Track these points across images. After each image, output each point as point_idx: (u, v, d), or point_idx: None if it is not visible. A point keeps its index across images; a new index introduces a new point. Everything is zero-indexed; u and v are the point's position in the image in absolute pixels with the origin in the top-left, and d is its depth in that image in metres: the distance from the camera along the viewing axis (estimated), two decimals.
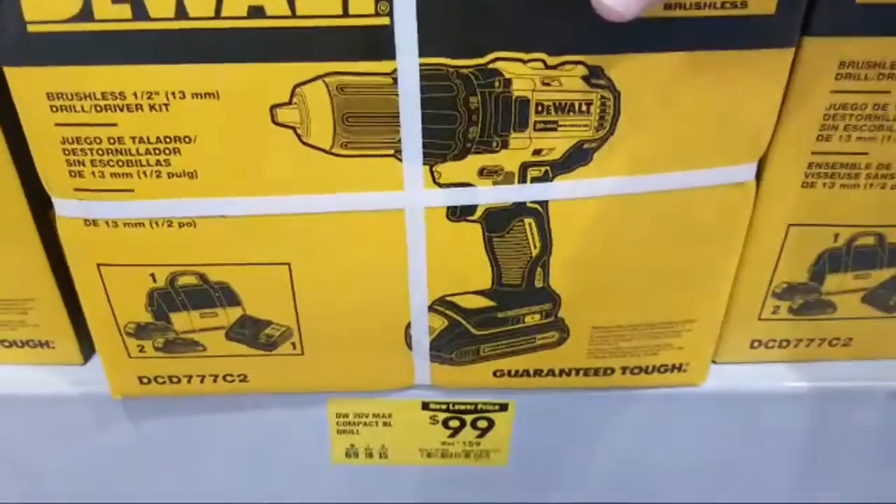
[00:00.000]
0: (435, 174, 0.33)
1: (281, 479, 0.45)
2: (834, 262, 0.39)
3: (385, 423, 0.43)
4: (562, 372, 0.40)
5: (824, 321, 0.41)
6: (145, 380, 0.40)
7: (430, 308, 0.37)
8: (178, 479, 0.44)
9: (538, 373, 0.40)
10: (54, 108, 0.31)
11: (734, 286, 0.39)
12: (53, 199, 0.34)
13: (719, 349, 0.42)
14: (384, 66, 0.30)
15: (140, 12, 0.29)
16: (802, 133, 0.35)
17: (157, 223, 0.34)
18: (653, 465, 0.45)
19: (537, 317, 0.38)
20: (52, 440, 0.43)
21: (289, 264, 0.35)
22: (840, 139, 0.35)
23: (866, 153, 0.35)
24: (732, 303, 0.40)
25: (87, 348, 0.42)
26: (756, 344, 0.42)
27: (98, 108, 0.31)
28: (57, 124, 0.31)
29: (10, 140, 0.35)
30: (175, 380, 0.40)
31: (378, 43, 0.30)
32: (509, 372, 0.40)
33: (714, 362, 0.42)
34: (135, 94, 0.31)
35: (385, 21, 0.29)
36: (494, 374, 0.40)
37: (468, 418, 0.42)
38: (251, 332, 0.38)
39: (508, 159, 0.33)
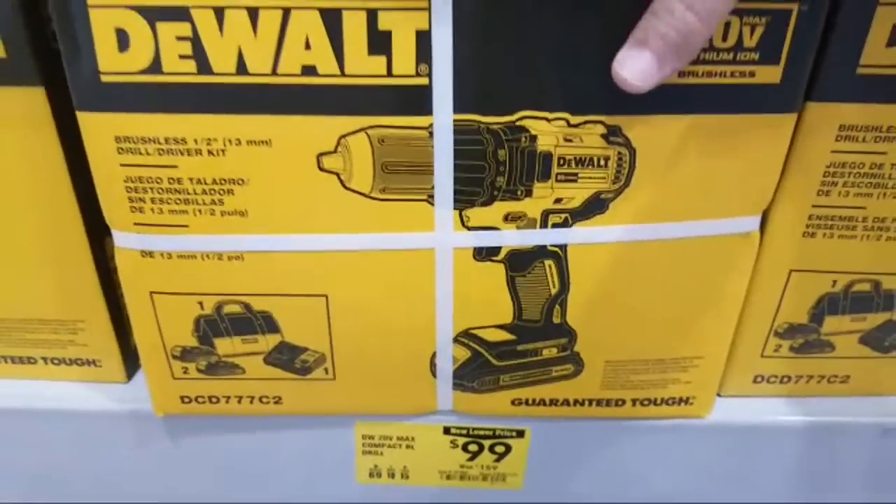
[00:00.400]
0: (464, 218, 0.36)
1: (307, 496, 0.47)
2: (832, 305, 0.41)
3: (408, 446, 0.45)
4: (576, 402, 0.43)
5: (823, 359, 0.44)
6: (187, 399, 0.42)
7: (455, 339, 0.40)
8: (210, 493, 0.47)
9: (554, 402, 0.43)
10: (121, 150, 0.34)
11: (739, 325, 0.42)
12: (113, 232, 0.37)
13: (724, 383, 0.45)
14: (422, 120, 0.33)
15: (204, 68, 0.32)
16: (804, 188, 0.38)
17: (207, 256, 0.37)
18: (658, 493, 0.47)
19: (554, 350, 0.41)
20: (94, 453, 0.45)
21: (326, 296, 0.38)
22: (839, 194, 0.38)
23: (864, 207, 0.38)
24: (737, 341, 0.43)
25: (130, 367, 0.45)
26: (759, 379, 0.44)
27: (161, 152, 0.34)
28: (122, 164, 0.34)
29: (73, 175, 0.38)
30: (214, 400, 0.42)
31: (417, 100, 0.33)
32: (527, 401, 0.43)
33: (719, 395, 0.45)
34: (195, 140, 0.34)
35: (424, 81, 0.32)
36: (513, 402, 0.43)
37: (486, 443, 0.45)
38: (288, 358, 0.40)
39: (532, 206, 0.36)
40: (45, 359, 0.44)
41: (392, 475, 0.47)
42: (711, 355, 0.42)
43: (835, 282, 0.41)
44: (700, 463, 0.46)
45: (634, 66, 0.28)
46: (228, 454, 0.45)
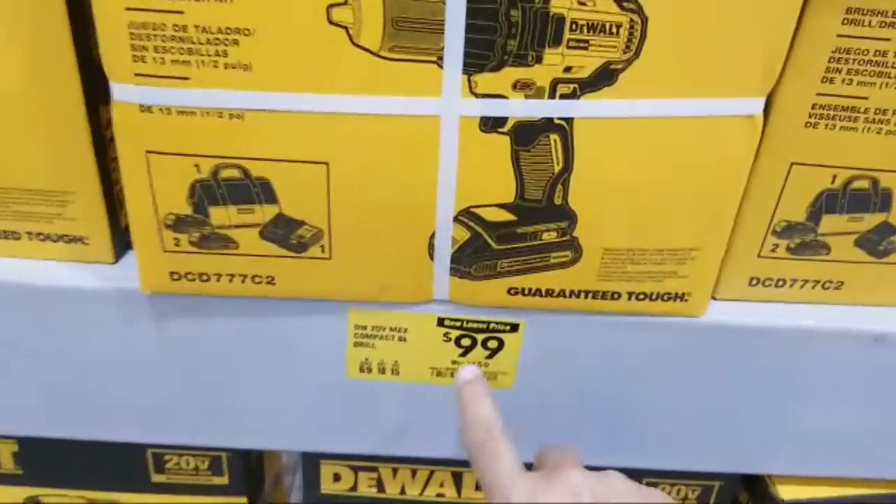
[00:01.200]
0: (472, 84, 0.36)
1: (295, 388, 0.47)
2: (830, 203, 0.42)
3: (400, 339, 0.45)
4: (572, 293, 0.43)
5: (818, 262, 0.44)
6: (176, 276, 0.42)
7: (456, 218, 0.40)
8: (194, 378, 0.46)
9: (550, 293, 0.43)
10: None
11: (738, 221, 0.42)
12: (112, 85, 0.36)
13: (720, 286, 0.45)
14: None
15: None
16: (808, 74, 0.38)
17: (207, 113, 0.36)
18: (650, 396, 0.47)
19: (554, 234, 0.41)
20: (79, 333, 0.44)
21: (327, 164, 0.38)
22: (843, 82, 0.38)
23: (866, 98, 0.38)
24: (735, 238, 0.43)
25: (119, 247, 0.44)
26: (754, 282, 0.45)
27: None
28: (127, 8, 0.33)
29: (74, 32, 0.37)
30: (205, 277, 0.42)
31: None
32: (523, 290, 0.43)
33: (715, 299, 0.45)
34: None
35: None
36: (509, 291, 0.43)
37: (480, 337, 0.45)
38: (284, 232, 0.40)
39: (541, 74, 0.36)
40: (29, 233, 0.43)
41: (382, 370, 0.46)
42: (709, 248, 0.42)
43: (834, 177, 0.41)
44: (692, 365, 0.46)
45: None
46: (215, 340, 0.44)
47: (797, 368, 0.46)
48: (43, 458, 0.55)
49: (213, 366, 0.46)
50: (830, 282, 0.45)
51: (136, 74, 0.35)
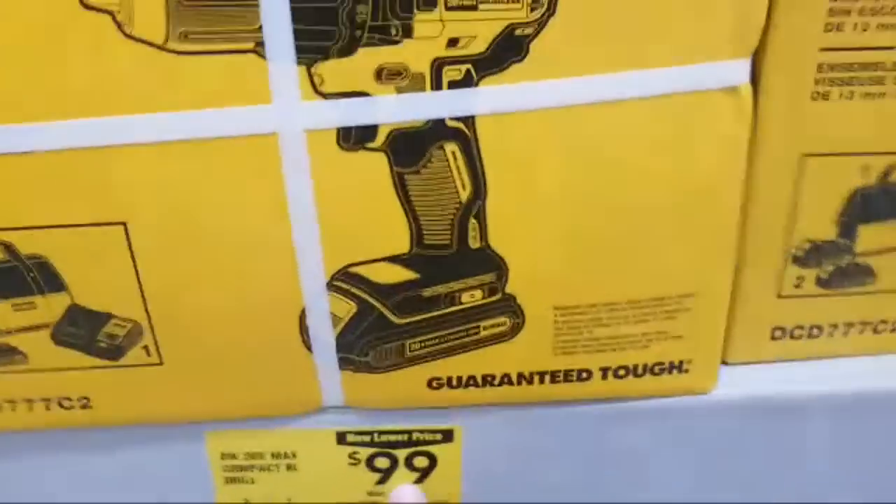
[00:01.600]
0: (315, 79, 0.24)
1: None
2: (867, 206, 0.29)
3: (289, 467, 0.32)
4: (521, 378, 0.30)
5: (863, 296, 0.31)
6: None
7: (330, 285, 0.27)
8: None
9: (489, 381, 0.30)
10: None
11: (743, 249, 0.30)
12: None
13: (730, 344, 0.32)
14: None
15: None
16: (805, 22, 0.26)
17: None
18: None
19: (478, 293, 0.28)
20: None
21: (124, 224, 0.26)
22: (855, 28, 0.27)
23: (892, 47, 0.27)
24: (741, 274, 0.30)
25: None
26: (778, 333, 0.32)
27: None
28: None
29: None
30: None
31: None
32: (450, 381, 0.30)
33: (726, 363, 0.32)
34: None
35: None
36: (430, 384, 0.30)
37: (401, 454, 0.32)
38: (87, 332, 0.28)
39: (415, 54, 0.24)
40: None
41: None
42: (707, 291, 0.29)
43: (866, 166, 0.29)
44: (700, 461, 0.32)
45: None
46: (31, 487, 0.31)
47: (851, 445, 0.32)
48: None
49: None
50: (885, 322, 0.32)
51: None
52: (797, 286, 0.31)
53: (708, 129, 0.26)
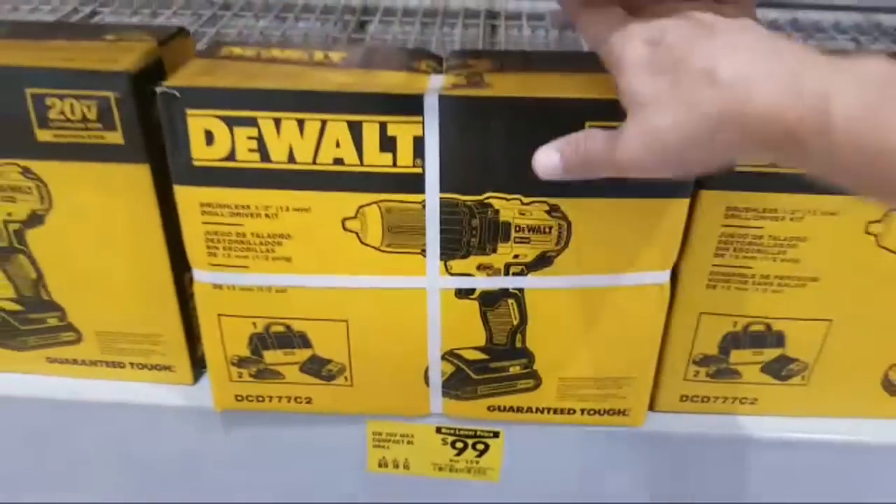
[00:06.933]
0: (448, 267, 0.49)
1: (329, 480, 0.60)
2: (735, 341, 0.54)
3: (409, 442, 0.58)
4: (537, 409, 0.56)
5: (733, 384, 0.56)
6: (240, 398, 0.56)
7: (443, 357, 0.53)
8: (254, 474, 0.60)
9: (520, 409, 0.56)
10: (204, 213, 0.48)
11: (664, 355, 0.54)
12: (194, 270, 0.51)
13: (657, 401, 0.57)
14: (417, 197, 0.47)
15: (265, 158, 0.46)
16: (704, 252, 0.50)
17: (261, 289, 0.50)
18: (607, 489, 0.59)
19: (518, 368, 0.54)
20: (167, 441, 0.59)
21: (347, 321, 0.52)
22: (731, 256, 0.50)
23: (750, 267, 0.51)
24: (664, 366, 0.55)
25: (196, 373, 0.59)
26: (685, 398, 0.57)
27: (232, 214, 0.48)
28: (203, 223, 0.48)
29: (165, 229, 0.52)
30: (261, 399, 0.56)
31: (414, 183, 0.46)
32: (499, 407, 0.56)
33: (656, 410, 0.57)
34: (256, 207, 0.48)
35: (419, 170, 0.46)
36: (488, 408, 0.56)
37: (470, 441, 0.58)
38: (317, 367, 0.54)
39: (497, 260, 0.49)
40: (132, 363, 0.58)
41: (396, 465, 0.59)
42: (640, 376, 0.54)
43: (735, 322, 0.53)
44: (638, 465, 0.58)
45: (544, 163, 0.40)
46: (269, 443, 0.58)
47: (723, 469, 0.57)
48: None
49: (267, 463, 0.60)
50: (745, 398, 0.56)
51: (211, 265, 0.50)
52: (695, 376, 0.55)
53: (644, 305, 0.51)
